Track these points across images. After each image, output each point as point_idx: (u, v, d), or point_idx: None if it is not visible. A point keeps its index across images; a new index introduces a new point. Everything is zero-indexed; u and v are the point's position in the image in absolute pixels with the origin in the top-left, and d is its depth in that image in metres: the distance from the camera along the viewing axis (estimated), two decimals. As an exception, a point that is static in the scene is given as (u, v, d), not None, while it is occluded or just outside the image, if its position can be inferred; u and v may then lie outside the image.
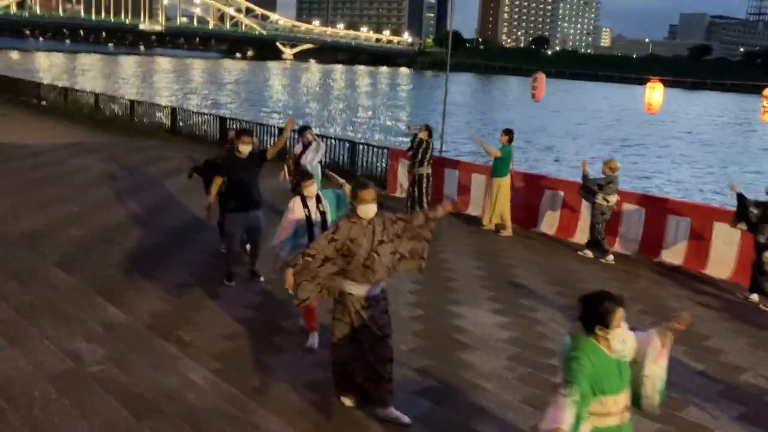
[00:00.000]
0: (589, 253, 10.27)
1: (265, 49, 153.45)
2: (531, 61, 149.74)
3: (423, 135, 11.45)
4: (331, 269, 4.91)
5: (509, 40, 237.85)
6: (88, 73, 68.69)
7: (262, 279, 7.99)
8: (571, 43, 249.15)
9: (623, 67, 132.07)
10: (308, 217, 6.23)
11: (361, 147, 15.20)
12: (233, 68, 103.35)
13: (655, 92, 10.16)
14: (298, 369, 5.92)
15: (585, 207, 10.90)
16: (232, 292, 7.68)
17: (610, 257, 10.07)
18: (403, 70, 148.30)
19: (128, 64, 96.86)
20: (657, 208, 10.47)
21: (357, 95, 64.69)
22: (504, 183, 11.23)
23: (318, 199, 6.31)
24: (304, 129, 10.73)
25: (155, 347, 6.02)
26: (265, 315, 7.11)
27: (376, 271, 4.85)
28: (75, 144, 17.59)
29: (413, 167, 11.56)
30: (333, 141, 15.59)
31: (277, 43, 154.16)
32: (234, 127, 17.29)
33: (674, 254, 10.21)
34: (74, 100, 24.87)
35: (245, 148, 7.52)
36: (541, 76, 11.63)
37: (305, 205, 6.24)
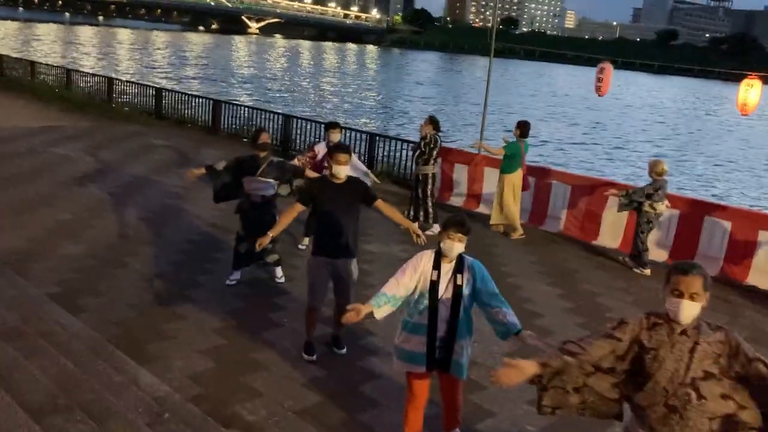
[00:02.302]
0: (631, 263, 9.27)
1: (229, 22, 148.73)
2: (500, 41, 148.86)
3: (428, 129, 9.93)
4: (603, 387, 3.12)
5: (477, 20, 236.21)
6: (45, 44, 64.86)
7: (343, 351, 5.92)
8: (537, 25, 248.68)
9: (592, 49, 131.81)
10: (434, 285, 4.17)
11: (379, 140, 13.56)
12: (198, 41, 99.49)
13: (752, 91, 8.76)
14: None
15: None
16: (287, 341, 6.07)
17: (648, 271, 9.08)
18: (371, 47, 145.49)
19: (87, 35, 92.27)
20: (745, 223, 9.15)
21: (331, 74, 62.39)
22: (510, 180, 10.09)
23: (459, 266, 4.22)
24: (331, 126, 8.79)
25: (218, 443, 4.41)
26: (343, 379, 5.51)
27: (687, 421, 2.88)
28: (50, 129, 15.52)
29: (416, 165, 10.09)
30: (347, 132, 13.88)
31: (243, 17, 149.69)
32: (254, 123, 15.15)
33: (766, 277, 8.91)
34: (41, 75, 22.52)
35: (342, 171, 5.49)
36: (609, 68, 10.13)
37: (437, 266, 4.27)
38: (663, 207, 9.10)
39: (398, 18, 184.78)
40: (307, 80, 50.72)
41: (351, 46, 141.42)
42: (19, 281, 6.71)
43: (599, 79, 10.24)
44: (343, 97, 41.07)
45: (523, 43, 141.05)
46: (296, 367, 5.60)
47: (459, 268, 4.20)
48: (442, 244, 4.16)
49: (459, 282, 4.16)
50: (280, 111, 16.97)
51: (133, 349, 5.54)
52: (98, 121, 17.31)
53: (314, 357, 5.75)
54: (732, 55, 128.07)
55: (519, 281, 8.29)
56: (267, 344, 5.96)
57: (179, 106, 17.97)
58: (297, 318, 6.52)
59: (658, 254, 9.50)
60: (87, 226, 8.84)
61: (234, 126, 16.47)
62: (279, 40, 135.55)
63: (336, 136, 8.60)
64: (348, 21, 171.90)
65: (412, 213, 10.04)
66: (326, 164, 8.55)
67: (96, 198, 10.22)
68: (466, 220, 4.22)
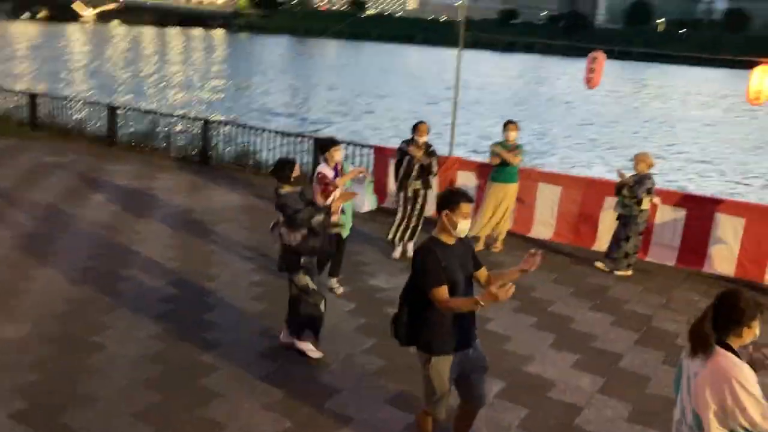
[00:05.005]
0: (606, 267, 8.60)
1: (60, 9, 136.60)
2: (350, 24, 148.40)
3: (423, 138, 8.26)
4: None
5: (323, 3, 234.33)
6: None
7: None
8: (383, 6, 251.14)
9: (439, 30, 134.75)
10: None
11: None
12: (26, 33, 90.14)
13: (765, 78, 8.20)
14: None
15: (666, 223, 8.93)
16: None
17: (630, 272, 8.45)
18: (218, 32, 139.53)
19: None
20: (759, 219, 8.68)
21: (187, 63, 58.41)
22: (515, 189, 9.18)
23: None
24: (333, 144, 6.85)
25: None
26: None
27: None
28: None
29: (406, 180, 8.40)
30: (293, 138, 12.18)
31: (76, 3, 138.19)
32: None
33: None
34: None
35: (468, 227, 3.99)
36: (602, 57, 9.23)
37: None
38: (658, 200, 8.51)
39: (243, 2, 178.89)
40: (169, 72, 47.04)
41: (197, 31, 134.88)
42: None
43: (591, 70, 9.30)
44: (208, 89, 38.28)
45: (374, 27, 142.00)
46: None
47: None
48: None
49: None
50: (193, 115, 14.78)
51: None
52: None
53: None
54: (568, 31, 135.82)
55: (561, 309, 7.25)
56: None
57: (61, 114, 15.20)
58: (364, 411, 5.07)
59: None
60: (17, 291, 6.71)
61: (134, 135, 14.10)
62: (118, 27, 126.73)
63: (340, 155, 6.95)
64: (190, 5, 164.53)
65: (406, 235, 8.64)
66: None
67: (9, 246, 7.95)
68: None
